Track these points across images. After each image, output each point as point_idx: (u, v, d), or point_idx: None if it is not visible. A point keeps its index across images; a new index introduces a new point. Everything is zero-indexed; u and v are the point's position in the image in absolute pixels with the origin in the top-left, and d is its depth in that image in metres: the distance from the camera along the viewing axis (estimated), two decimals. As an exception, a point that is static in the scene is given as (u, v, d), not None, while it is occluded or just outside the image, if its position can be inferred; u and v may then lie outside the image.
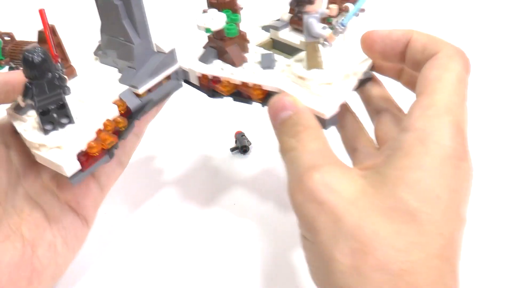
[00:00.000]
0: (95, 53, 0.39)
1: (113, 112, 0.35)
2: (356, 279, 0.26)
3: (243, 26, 0.39)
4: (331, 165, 0.29)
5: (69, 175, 0.32)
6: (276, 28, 0.41)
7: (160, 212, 0.46)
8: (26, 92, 0.31)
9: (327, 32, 0.34)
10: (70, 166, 0.32)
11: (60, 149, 0.32)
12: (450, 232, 0.26)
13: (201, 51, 0.40)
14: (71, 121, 0.33)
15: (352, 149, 0.38)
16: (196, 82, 0.39)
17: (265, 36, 0.42)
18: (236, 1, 0.37)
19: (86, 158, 0.33)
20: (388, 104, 0.38)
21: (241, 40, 0.39)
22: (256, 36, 0.42)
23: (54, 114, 0.32)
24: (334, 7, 0.36)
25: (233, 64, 0.38)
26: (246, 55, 0.39)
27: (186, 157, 0.52)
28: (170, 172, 0.50)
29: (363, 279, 0.25)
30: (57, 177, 0.37)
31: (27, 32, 0.39)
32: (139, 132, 0.41)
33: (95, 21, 0.37)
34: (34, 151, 0.32)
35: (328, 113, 0.34)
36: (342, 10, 0.40)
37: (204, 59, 0.39)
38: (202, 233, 0.44)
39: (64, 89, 0.32)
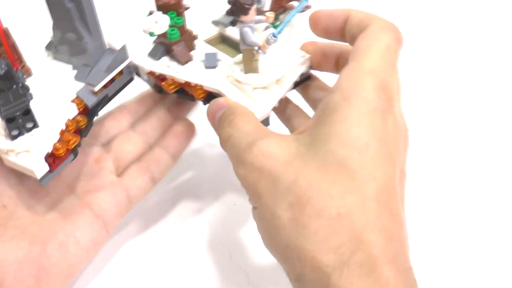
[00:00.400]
0: (47, 48, 0.40)
1: (73, 112, 0.37)
2: (296, 230, 0.27)
3: (192, 21, 0.41)
4: (267, 137, 0.31)
5: (39, 177, 0.34)
6: (224, 25, 0.43)
7: (159, 212, 0.46)
8: None
9: (260, 41, 0.36)
10: (40, 169, 0.34)
11: (28, 152, 0.34)
12: (384, 176, 0.28)
13: (151, 46, 0.42)
14: (36, 125, 0.35)
15: (290, 125, 0.42)
16: (145, 77, 0.42)
17: (214, 31, 0.44)
18: (181, 3, 0.39)
19: (53, 159, 0.35)
20: (326, 93, 0.41)
21: (188, 38, 0.41)
22: (205, 31, 0.44)
23: (20, 120, 0.34)
24: (271, 15, 0.38)
25: (179, 62, 0.40)
26: (193, 52, 0.41)
27: (186, 157, 0.51)
28: (169, 172, 0.49)
29: (302, 229, 0.27)
30: (81, 178, 0.40)
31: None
32: (176, 155, 0.43)
33: (46, 17, 0.38)
34: (3, 156, 0.34)
35: (260, 116, 0.36)
36: (287, 8, 0.42)
37: (153, 54, 0.41)
38: (202, 233, 0.44)
39: (28, 97, 0.33)
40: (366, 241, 0.26)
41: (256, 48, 0.37)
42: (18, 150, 0.34)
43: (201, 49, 0.42)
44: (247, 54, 0.38)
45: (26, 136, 0.34)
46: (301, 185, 0.28)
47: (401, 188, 0.30)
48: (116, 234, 0.43)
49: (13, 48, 0.38)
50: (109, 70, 0.39)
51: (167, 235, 0.44)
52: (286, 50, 0.41)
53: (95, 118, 0.41)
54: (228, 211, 0.46)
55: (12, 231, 0.35)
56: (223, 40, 0.44)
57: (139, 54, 0.42)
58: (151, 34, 0.38)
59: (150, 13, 0.39)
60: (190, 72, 0.40)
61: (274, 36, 0.36)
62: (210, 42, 0.43)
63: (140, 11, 0.40)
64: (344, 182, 0.27)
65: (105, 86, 0.40)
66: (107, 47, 0.40)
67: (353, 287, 0.25)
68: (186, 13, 0.41)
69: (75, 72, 0.39)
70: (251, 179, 0.30)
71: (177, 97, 0.42)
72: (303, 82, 0.42)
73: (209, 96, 0.40)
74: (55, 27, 0.39)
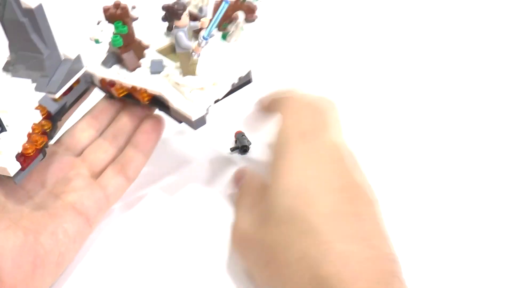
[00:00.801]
0: (5, 69, 0.42)
1: (37, 117, 0.39)
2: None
3: (146, 31, 0.44)
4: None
5: (12, 175, 0.36)
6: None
7: (159, 211, 0.46)
8: None
9: (193, 44, 0.39)
10: (12, 167, 0.35)
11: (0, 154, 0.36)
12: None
13: (104, 55, 0.45)
14: (3, 129, 0.37)
15: None
16: (98, 84, 0.44)
17: (166, 41, 0.46)
18: (127, 14, 0.42)
19: (23, 158, 0.37)
20: None
21: (137, 47, 0.44)
22: (158, 41, 0.46)
23: None
24: (206, 20, 0.40)
25: (128, 69, 0.43)
26: (142, 60, 0.44)
27: (186, 156, 0.52)
28: (169, 172, 0.50)
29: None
30: (60, 184, 0.42)
31: None
32: (147, 152, 0.45)
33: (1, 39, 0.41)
34: None
35: (194, 116, 0.39)
36: (233, 18, 0.45)
37: (105, 63, 0.44)
38: (202, 233, 0.44)
39: None
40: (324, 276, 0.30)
41: (191, 51, 0.39)
42: None
43: (150, 57, 0.44)
44: (183, 57, 0.40)
45: None
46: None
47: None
48: (115, 232, 0.44)
49: None
50: (67, 78, 0.42)
51: (166, 235, 0.44)
52: (229, 54, 0.43)
53: (65, 131, 0.44)
54: (228, 211, 0.45)
55: (6, 222, 0.37)
56: (174, 50, 0.47)
57: (93, 63, 0.45)
58: (96, 41, 0.41)
59: (98, 22, 0.42)
60: (137, 78, 0.42)
61: (205, 38, 0.39)
62: (161, 51, 0.46)
63: (91, 21, 0.43)
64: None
65: (64, 94, 0.42)
66: (63, 57, 0.43)
67: None
68: (140, 24, 0.44)
69: (34, 84, 0.41)
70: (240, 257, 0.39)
71: (125, 101, 0.44)
72: (244, 86, 0.44)
73: (154, 100, 0.42)
74: (11, 45, 0.41)
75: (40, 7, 0.39)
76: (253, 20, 0.47)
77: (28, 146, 0.37)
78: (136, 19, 0.43)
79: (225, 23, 0.46)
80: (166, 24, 0.46)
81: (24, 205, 0.40)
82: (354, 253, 0.30)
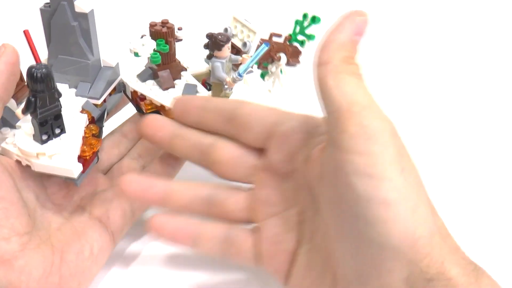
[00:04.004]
0: None
1: (86, 121, 0.39)
2: None
3: (187, 53, 0.44)
4: None
5: (76, 177, 0.36)
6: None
7: (158, 211, 0.46)
8: (29, 105, 0.34)
9: (228, 77, 0.38)
10: (76, 169, 0.36)
11: (59, 155, 0.36)
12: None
13: (141, 68, 0.45)
14: (63, 130, 0.37)
15: None
16: (129, 95, 0.45)
17: (204, 67, 0.46)
18: (173, 34, 0.42)
19: (82, 161, 0.37)
20: None
21: (175, 67, 0.44)
22: (197, 66, 0.46)
23: (51, 124, 0.36)
24: (247, 57, 0.40)
25: (161, 87, 0.43)
26: (177, 81, 0.44)
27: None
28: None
29: None
30: (87, 198, 0.41)
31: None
32: (173, 170, 0.44)
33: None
34: (31, 160, 0.36)
35: None
36: (275, 59, 0.44)
37: (140, 76, 0.44)
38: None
39: (60, 102, 0.35)
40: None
41: (224, 83, 0.39)
42: (50, 153, 0.35)
43: (185, 80, 0.44)
44: (216, 88, 0.40)
45: (55, 140, 0.36)
46: None
47: None
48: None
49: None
50: (108, 85, 0.42)
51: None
52: (264, 93, 0.43)
53: None
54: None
55: (36, 241, 0.36)
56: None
57: (129, 73, 0.45)
58: (136, 54, 0.41)
59: (142, 36, 0.42)
60: (168, 97, 0.42)
61: (239, 75, 0.38)
62: (197, 76, 0.45)
63: (135, 33, 0.43)
64: None
65: (104, 101, 0.42)
66: (102, 63, 0.43)
67: None
68: (183, 47, 0.44)
69: (74, 90, 0.41)
70: None
71: None
72: None
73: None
74: (52, 50, 0.41)
75: (92, 12, 0.40)
76: (294, 65, 0.46)
77: (86, 149, 0.37)
78: (180, 40, 0.43)
79: (266, 62, 0.45)
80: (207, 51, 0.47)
81: (53, 220, 0.39)
82: None
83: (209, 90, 0.43)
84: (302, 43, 0.45)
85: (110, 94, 0.43)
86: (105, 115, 0.43)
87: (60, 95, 0.35)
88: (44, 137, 0.36)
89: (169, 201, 0.38)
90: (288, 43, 0.46)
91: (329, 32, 0.31)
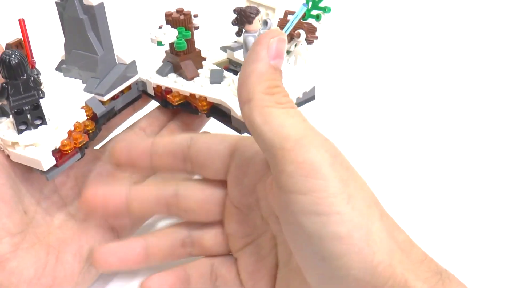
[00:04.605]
0: (57, 68, 0.41)
1: (82, 116, 0.38)
2: None
3: (202, 45, 0.43)
4: None
5: (45, 169, 0.34)
6: (232, 49, 0.44)
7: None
8: (2, 92, 0.33)
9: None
10: (46, 161, 0.34)
11: (35, 146, 0.34)
12: None
13: (159, 64, 0.43)
14: (43, 122, 0.35)
15: None
16: (151, 92, 0.42)
17: (223, 56, 0.45)
18: (190, 20, 0.41)
19: (60, 155, 0.35)
20: None
21: (196, 57, 0.42)
22: (214, 56, 0.45)
23: (28, 115, 0.34)
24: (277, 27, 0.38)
25: (186, 77, 0.41)
26: (200, 70, 0.42)
27: None
28: None
29: None
30: None
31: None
32: None
33: (56, 38, 0.40)
34: (8, 149, 0.34)
35: None
36: (294, 37, 0.44)
37: (160, 71, 0.42)
38: None
39: (39, 92, 0.34)
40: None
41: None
42: (24, 143, 0.34)
43: (207, 68, 0.43)
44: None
45: (33, 131, 0.35)
46: None
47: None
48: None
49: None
50: (118, 82, 0.40)
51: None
52: (293, 69, 0.42)
53: (111, 138, 0.43)
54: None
55: (31, 239, 0.35)
56: (230, 64, 0.45)
57: (147, 70, 0.43)
58: (159, 43, 0.39)
59: (160, 27, 0.40)
60: (196, 86, 0.41)
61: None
62: (218, 65, 0.44)
63: (149, 27, 0.41)
64: None
65: (113, 98, 0.41)
66: (117, 60, 0.41)
67: None
68: (197, 36, 0.43)
69: (84, 85, 0.40)
70: None
71: (182, 110, 0.42)
72: (306, 102, 0.42)
73: (213, 109, 0.40)
74: (67, 44, 0.40)
75: (101, 5, 0.38)
76: (312, 41, 0.45)
77: (67, 143, 0.35)
78: (197, 28, 0.42)
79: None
80: (221, 39, 0.45)
81: (56, 215, 0.37)
82: None
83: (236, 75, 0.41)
84: (317, 17, 0.45)
85: (122, 92, 0.42)
86: (113, 113, 0.41)
87: (38, 84, 0.34)
88: (22, 127, 0.34)
89: (149, 256, 0.36)
90: (302, 20, 0.45)
91: (245, 63, 0.29)
